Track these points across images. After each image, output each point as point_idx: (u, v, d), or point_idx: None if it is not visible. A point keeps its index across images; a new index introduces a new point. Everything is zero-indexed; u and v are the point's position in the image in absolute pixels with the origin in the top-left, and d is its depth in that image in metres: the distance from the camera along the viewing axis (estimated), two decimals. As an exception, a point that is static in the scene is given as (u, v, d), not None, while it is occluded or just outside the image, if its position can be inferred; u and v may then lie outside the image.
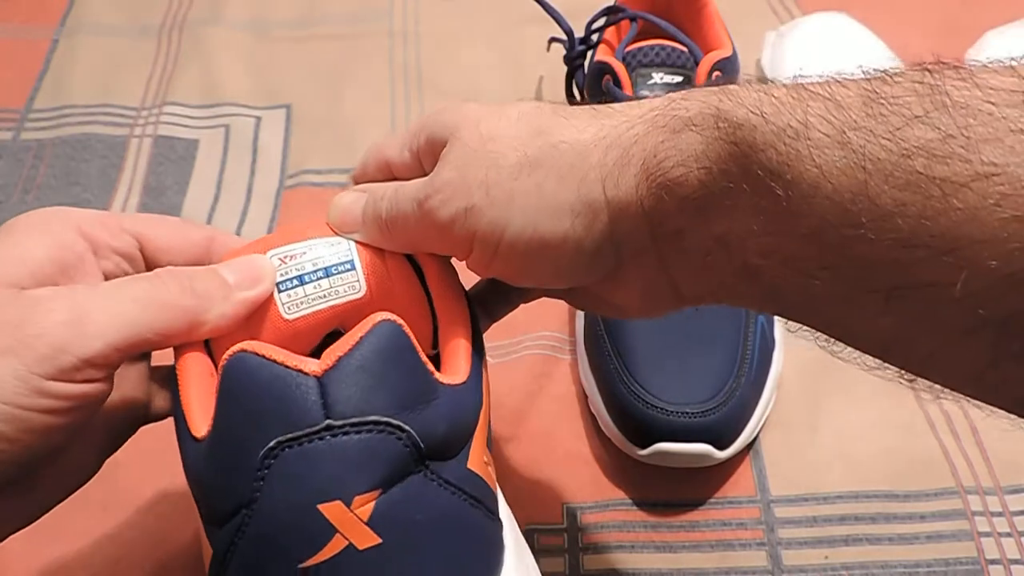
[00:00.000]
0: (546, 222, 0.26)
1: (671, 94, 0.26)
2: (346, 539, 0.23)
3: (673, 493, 0.41)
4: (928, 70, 0.20)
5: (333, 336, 0.31)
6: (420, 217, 0.28)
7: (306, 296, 0.29)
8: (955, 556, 0.39)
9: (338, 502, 0.23)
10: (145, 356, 0.30)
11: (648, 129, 0.26)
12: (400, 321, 0.25)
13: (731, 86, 0.24)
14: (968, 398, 0.22)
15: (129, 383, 0.29)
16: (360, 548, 0.23)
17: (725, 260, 0.25)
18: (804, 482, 0.42)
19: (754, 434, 0.42)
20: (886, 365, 0.23)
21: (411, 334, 0.26)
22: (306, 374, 0.24)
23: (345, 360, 0.24)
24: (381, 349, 0.25)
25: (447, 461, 0.26)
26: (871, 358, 0.24)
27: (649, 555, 0.40)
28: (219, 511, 0.24)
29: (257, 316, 0.29)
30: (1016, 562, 0.39)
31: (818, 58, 0.59)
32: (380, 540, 0.23)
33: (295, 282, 0.29)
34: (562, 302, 0.49)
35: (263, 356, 0.24)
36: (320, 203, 0.54)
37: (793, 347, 0.46)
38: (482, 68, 0.64)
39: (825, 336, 0.25)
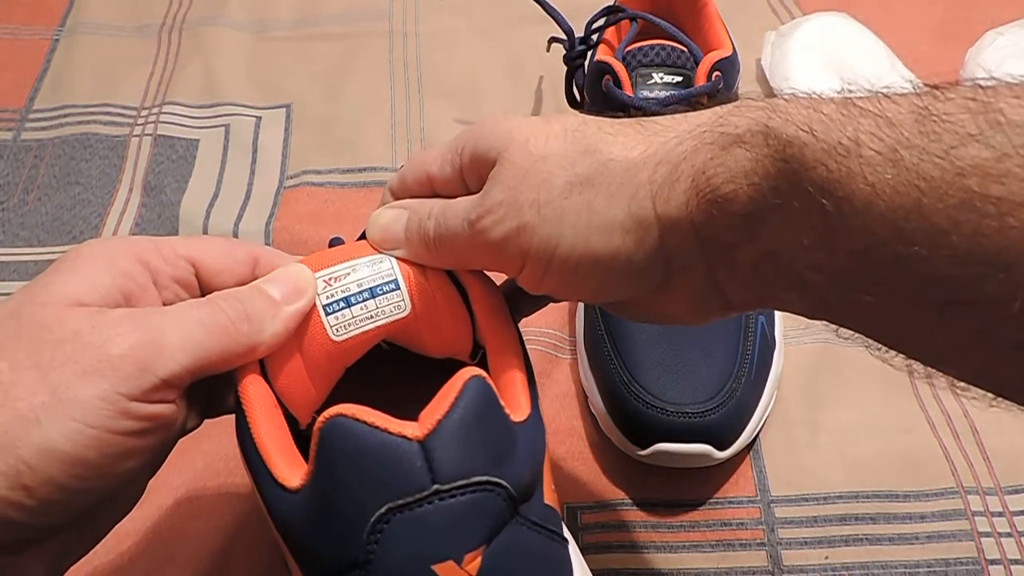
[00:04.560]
0: (597, 239, 0.27)
1: (717, 108, 0.27)
2: None
3: (673, 493, 0.41)
4: (980, 86, 0.20)
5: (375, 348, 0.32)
6: (471, 236, 0.28)
7: (354, 318, 0.30)
8: (955, 556, 0.39)
9: (450, 562, 0.24)
10: None
11: (697, 145, 0.26)
12: (484, 374, 0.26)
13: (779, 101, 0.24)
14: (1022, 407, 0.22)
15: None
16: None
17: (775, 273, 0.25)
18: (804, 482, 0.42)
19: (754, 434, 0.42)
20: (938, 373, 0.23)
21: (494, 386, 0.26)
22: (409, 439, 0.24)
23: (444, 422, 0.25)
24: (475, 407, 0.25)
25: (529, 502, 0.27)
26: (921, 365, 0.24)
27: (649, 555, 0.40)
28: (328, 568, 0.25)
29: (308, 339, 0.29)
30: (1016, 562, 0.39)
31: (818, 58, 0.59)
32: None
33: (342, 304, 0.30)
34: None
35: (364, 422, 0.24)
36: (320, 203, 0.55)
37: (793, 347, 0.46)
38: (482, 68, 0.64)
39: (878, 344, 0.25)
